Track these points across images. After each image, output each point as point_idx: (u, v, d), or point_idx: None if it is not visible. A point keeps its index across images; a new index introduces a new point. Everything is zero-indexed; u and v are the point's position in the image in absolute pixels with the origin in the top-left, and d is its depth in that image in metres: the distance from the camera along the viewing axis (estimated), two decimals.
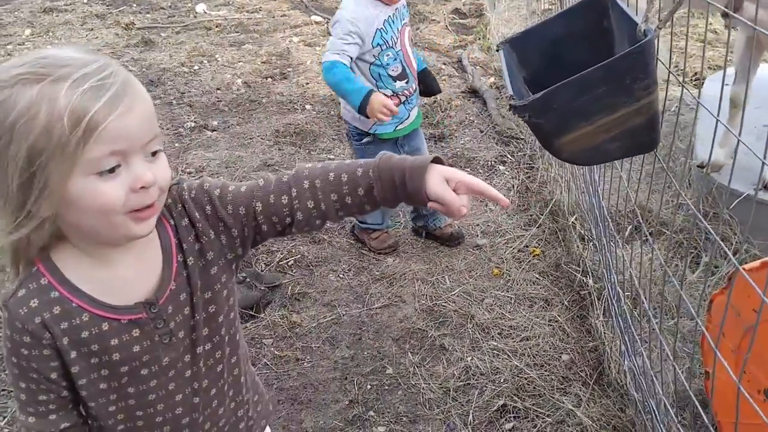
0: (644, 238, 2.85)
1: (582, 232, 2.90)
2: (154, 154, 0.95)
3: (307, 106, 4.45)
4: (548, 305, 2.66)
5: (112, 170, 0.90)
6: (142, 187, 0.92)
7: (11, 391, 2.21)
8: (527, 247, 3.00)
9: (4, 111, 0.86)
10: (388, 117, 2.51)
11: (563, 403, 2.22)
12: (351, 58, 2.55)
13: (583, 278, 2.68)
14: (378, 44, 2.58)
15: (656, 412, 1.81)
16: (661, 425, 1.82)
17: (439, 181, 1.02)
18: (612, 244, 2.44)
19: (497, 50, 1.74)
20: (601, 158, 1.54)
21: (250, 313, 2.67)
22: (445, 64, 5.00)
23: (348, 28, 2.52)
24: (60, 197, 0.89)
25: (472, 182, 1.03)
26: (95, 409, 1.08)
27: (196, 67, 5.05)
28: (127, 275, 1.03)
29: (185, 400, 1.12)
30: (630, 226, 2.85)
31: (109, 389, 1.06)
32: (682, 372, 2.15)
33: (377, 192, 1.05)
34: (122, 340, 1.02)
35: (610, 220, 2.26)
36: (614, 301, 2.28)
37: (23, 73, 0.86)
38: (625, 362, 2.23)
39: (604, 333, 2.38)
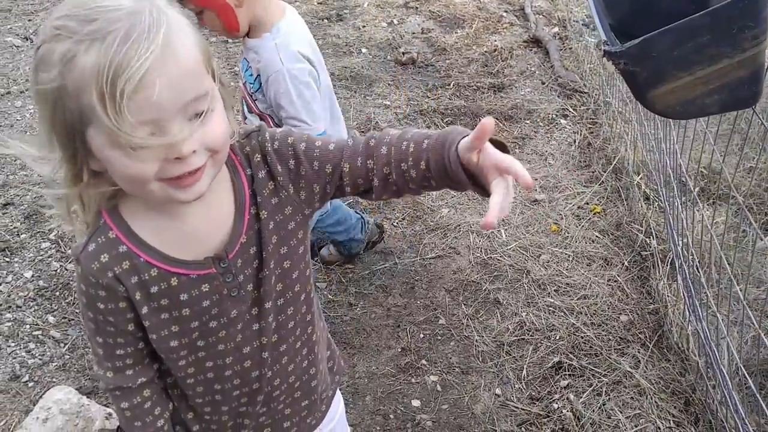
0: (713, 201, 2.75)
1: (647, 191, 2.80)
2: (200, 114, 0.85)
3: (363, 50, 4.36)
4: (608, 264, 2.60)
5: None
6: (178, 158, 0.84)
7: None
8: (588, 204, 2.91)
9: (43, 68, 0.81)
10: None
11: (620, 364, 2.18)
12: None
13: (647, 239, 2.60)
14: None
15: (725, 379, 1.76)
16: (726, 391, 1.77)
17: (465, 146, 0.90)
18: (682, 205, 2.35)
19: None
20: (697, 112, 1.45)
21: None
22: (506, 11, 4.82)
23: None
24: (102, 159, 0.85)
25: (497, 157, 0.87)
26: (167, 362, 1.07)
27: None
28: (197, 228, 0.99)
29: (253, 354, 1.10)
30: (697, 188, 2.74)
31: (180, 345, 1.04)
32: (748, 340, 2.08)
33: (432, 167, 0.95)
34: (192, 295, 1.00)
35: (689, 180, 2.17)
36: (683, 264, 2.20)
37: (60, 26, 0.80)
38: (689, 326, 2.16)
39: (668, 296, 2.31)
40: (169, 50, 0.80)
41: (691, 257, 2.26)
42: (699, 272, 2.14)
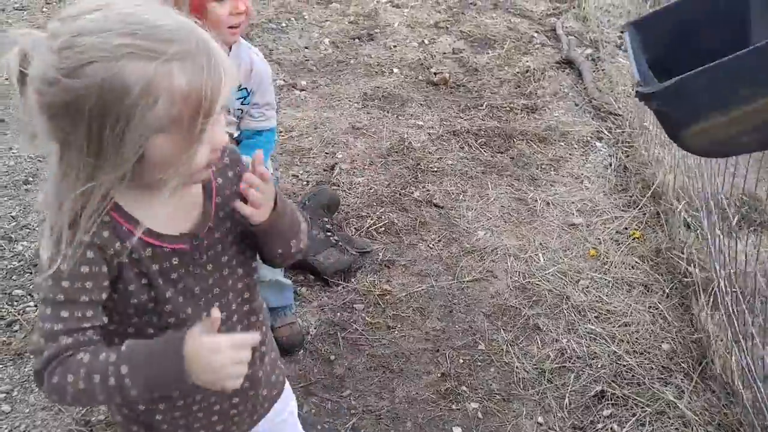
0: (754, 228, 2.72)
1: (687, 218, 2.77)
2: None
3: (395, 70, 4.38)
4: (648, 291, 2.57)
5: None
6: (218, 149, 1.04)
7: None
8: (626, 229, 2.90)
9: (119, 87, 0.89)
10: None
11: (664, 393, 2.15)
12: None
13: (688, 267, 2.57)
14: None
15: None
16: None
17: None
18: (722, 234, 2.33)
19: (622, 32, 1.65)
20: (734, 151, 1.46)
21: (338, 280, 2.66)
22: (537, 32, 4.83)
23: None
24: (162, 159, 0.98)
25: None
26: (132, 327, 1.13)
27: (283, 24, 5.02)
28: (174, 207, 1.10)
29: None
30: (737, 215, 2.72)
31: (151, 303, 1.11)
32: None
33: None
34: (162, 266, 1.09)
35: (728, 207, 2.14)
36: (726, 295, 2.18)
37: (126, 44, 0.89)
38: (733, 358, 2.13)
39: (711, 326, 2.28)
40: (226, 60, 0.99)
41: (732, 288, 2.23)
42: (742, 303, 2.11)
